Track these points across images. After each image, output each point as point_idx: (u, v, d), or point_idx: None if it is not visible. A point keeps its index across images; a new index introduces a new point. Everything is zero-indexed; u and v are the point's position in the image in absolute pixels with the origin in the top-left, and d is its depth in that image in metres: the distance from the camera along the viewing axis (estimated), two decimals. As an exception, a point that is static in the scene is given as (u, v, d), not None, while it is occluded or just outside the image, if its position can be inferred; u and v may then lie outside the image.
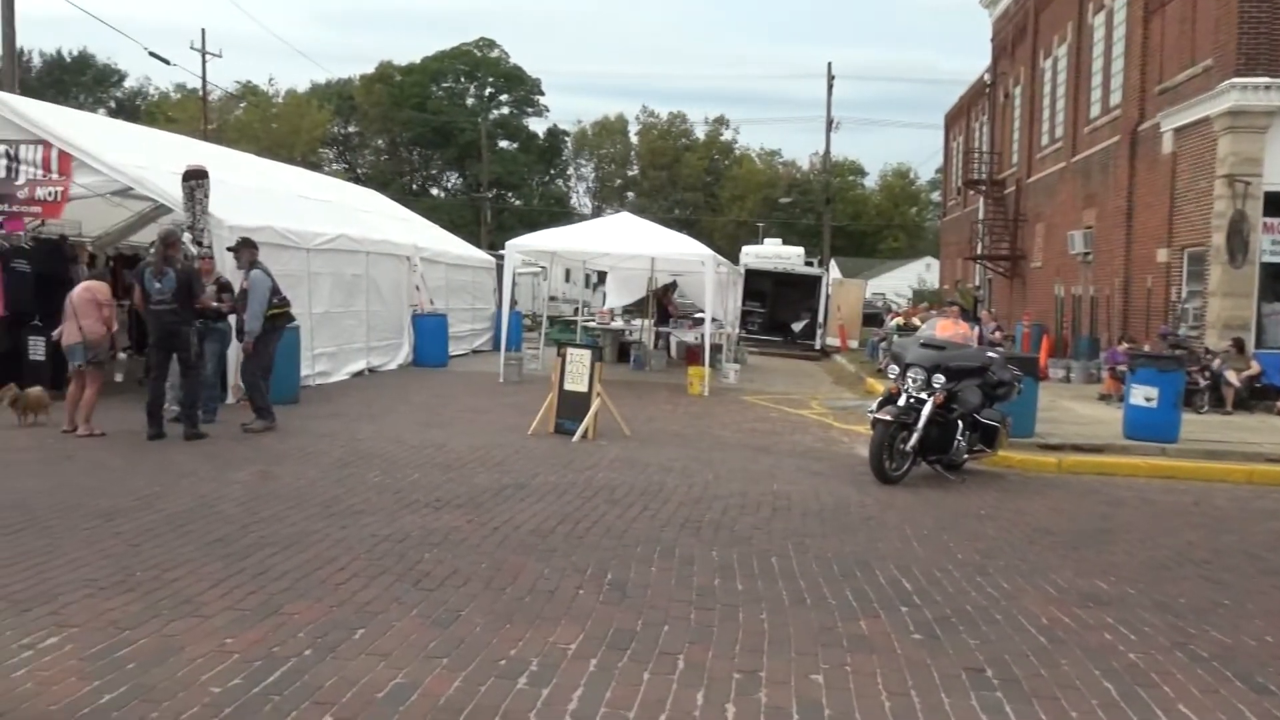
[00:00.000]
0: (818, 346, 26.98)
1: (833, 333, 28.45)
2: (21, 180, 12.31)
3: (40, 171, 12.28)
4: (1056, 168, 25.36)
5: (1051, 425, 12.21)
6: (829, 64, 49.07)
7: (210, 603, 5.13)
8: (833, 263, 51.04)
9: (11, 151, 12.30)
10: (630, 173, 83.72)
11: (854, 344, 28.32)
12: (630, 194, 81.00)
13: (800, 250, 39.08)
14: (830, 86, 46.60)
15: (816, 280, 28.71)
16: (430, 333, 18.59)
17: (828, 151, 52.06)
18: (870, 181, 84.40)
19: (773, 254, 35.87)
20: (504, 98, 78.72)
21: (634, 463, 9.61)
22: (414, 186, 74.86)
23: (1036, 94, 27.95)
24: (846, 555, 6.56)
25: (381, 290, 17.30)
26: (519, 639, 4.77)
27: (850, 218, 76.33)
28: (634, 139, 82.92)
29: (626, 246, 17.70)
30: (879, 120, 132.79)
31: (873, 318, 32.92)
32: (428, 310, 18.91)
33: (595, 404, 10.98)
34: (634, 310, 22.26)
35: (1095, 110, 23.02)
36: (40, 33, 74.93)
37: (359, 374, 16.18)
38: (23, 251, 12.59)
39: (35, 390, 10.77)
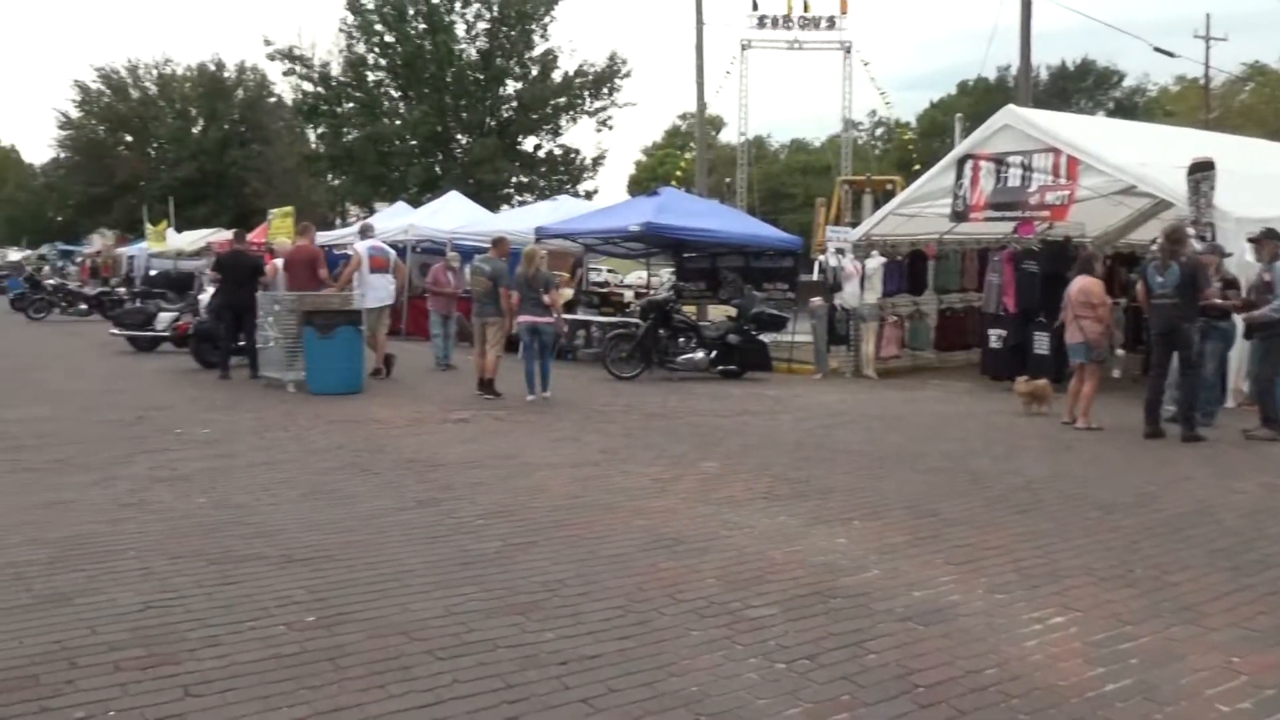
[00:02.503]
0: None
1: None
2: (1033, 187, 13.30)
3: (1050, 177, 13.12)
4: None
5: None
6: None
7: (1213, 615, 4.91)
8: None
9: (1025, 161, 13.38)
10: None
11: None
12: None
13: None
14: None
15: None
16: None
17: None
18: None
19: None
20: None
21: None
22: None
23: None
24: None
25: None
26: None
27: None
28: None
29: None
30: None
31: None
32: None
33: None
34: None
35: None
36: (1045, 47, 79.74)
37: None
38: (1031, 253, 13.68)
39: (1040, 382, 11.60)
